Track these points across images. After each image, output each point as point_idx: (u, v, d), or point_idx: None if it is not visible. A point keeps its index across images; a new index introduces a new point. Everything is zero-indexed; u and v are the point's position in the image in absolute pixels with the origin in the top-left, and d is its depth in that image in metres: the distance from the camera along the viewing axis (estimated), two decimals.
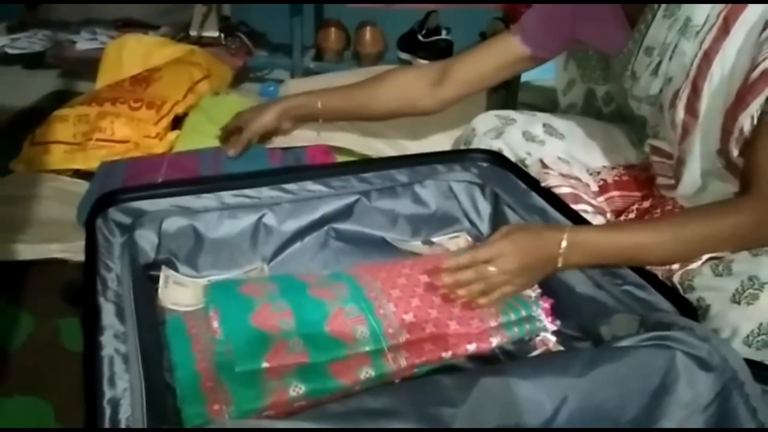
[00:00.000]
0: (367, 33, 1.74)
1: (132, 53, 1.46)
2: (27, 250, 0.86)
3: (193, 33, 1.80)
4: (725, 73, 0.72)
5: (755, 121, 0.70)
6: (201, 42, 1.74)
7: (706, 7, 0.73)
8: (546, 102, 1.58)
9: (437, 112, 1.03)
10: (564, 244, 0.69)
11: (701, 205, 0.76)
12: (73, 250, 0.85)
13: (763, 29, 0.68)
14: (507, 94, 1.53)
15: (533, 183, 0.89)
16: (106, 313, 0.60)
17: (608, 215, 0.92)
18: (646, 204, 0.93)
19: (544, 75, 1.79)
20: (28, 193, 1.00)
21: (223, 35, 1.78)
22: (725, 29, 0.71)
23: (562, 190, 0.90)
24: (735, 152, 0.73)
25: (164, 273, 0.75)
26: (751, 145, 0.71)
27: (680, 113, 0.77)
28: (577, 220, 0.80)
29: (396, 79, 1.03)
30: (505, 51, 0.95)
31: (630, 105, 0.91)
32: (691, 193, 0.82)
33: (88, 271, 0.65)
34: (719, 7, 0.72)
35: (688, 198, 0.83)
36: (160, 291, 0.73)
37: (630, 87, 0.86)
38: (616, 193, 0.95)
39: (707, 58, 0.73)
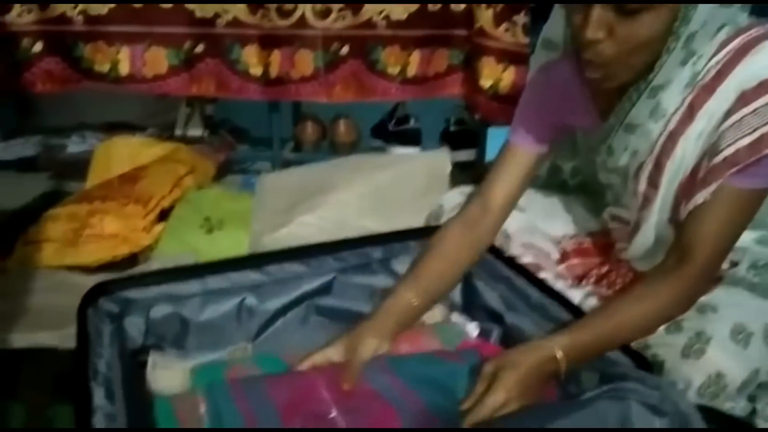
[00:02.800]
0: (342, 124, 1.86)
1: (120, 153, 1.55)
2: (18, 339, 0.89)
3: (178, 132, 1.91)
4: (686, 153, 0.78)
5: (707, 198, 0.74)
6: (186, 140, 1.84)
7: (675, 96, 0.78)
8: None
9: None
10: (560, 355, 0.70)
11: (641, 285, 0.78)
12: (62, 338, 0.88)
13: (723, 119, 0.74)
14: (473, 172, 1.63)
15: (498, 254, 0.95)
16: (97, 396, 0.63)
17: (569, 281, 0.98)
18: (604, 269, 0.99)
19: None
20: (22, 287, 1.05)
21: (207, 133, 1.89)
22: (690, 115, 0.77)
23: (526, 259, 0.96)
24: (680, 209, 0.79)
25: (152, 357, 0.79)
26: (698, 217, 0.75)
27: (642, 184, 0.84)
28: (541, 286, 0.86)
29: (448, 237, 0.94)
30: (522, 164, 0.93)
31: (600, 177, 0.97)
32: (641, 254, 0.89)
33: (79, 359, 0.69)
34: (685, 94, 0.77)
35: (638, 258, 0.90)
36: (148, 374, 0.76)
37: (604, 160, 0.91)
38: (576, 260, 1.01)
39: (672, 139, 0.78)
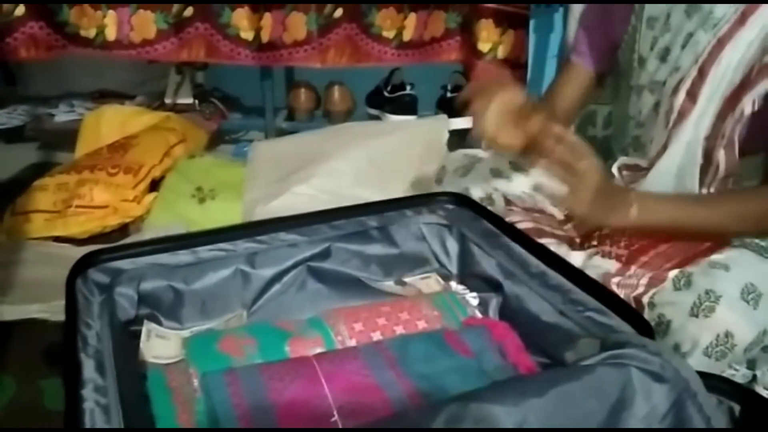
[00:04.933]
0: (336, 92, 1.82)
1: (109, 122, 1.52)
2: (8, 311, 0.88)
3: (168, 101, 1.87)
4: (733, 61, 0.78)
5: (756, 105, 0.76)
6: (176, 109, 1.80)
7: (727, 5, 0.79)
8: None
9: None
10: (634, 198, 0.80)
11: (738, 189, 0.84)
12: (53, 310, 0.87)
13: None
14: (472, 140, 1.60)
15: (497, 221, 0.94)
16: (87, 368, 0.62)
17: (577, 240, 0.96)
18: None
19: None
20: (11, 258, 1.03)
21: (197, 101, 1.85)
22: (742, 21, 0.77)
23: (525, 225, 0.95)
24: (729, 133, 0.80)
25: (146, 327, 0.78)
26: None
27: (680, 97, 0.83)
28: (540, 252, 0.84)
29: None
30: (581, 80, 1.00)
31: (629, 109, 0.96)
32: (657, 184, 0.88)
33: (68, 330, 0.68)
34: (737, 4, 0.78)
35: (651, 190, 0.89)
36: (141, 345, 0.75)
37: (637, 75, 0.91)
38: None
39: (720, 45, 0.79)
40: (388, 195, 1.21)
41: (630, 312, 0.73)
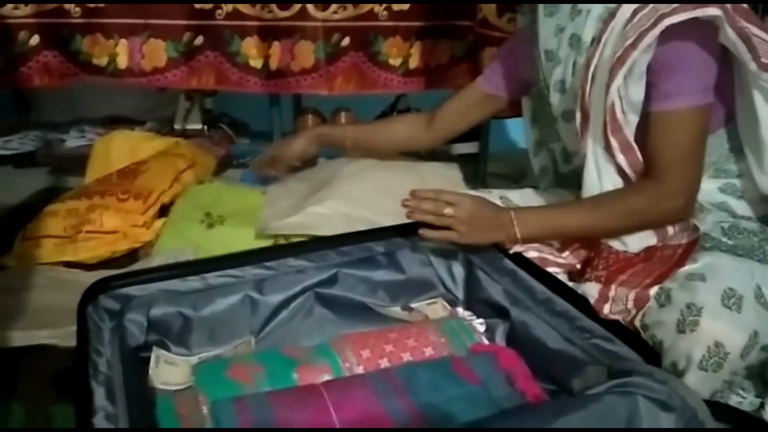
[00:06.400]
0: (343, 118, 1.84)
1: (119, 148, 1.53)
2: (17, 337, 0.89)
3: (177, 126, 1.89)
4: (602, 71, 0.85)
5: (617, 106, 0.84)
6: (185, 134, 1.82)
7: (591, 27, 0.89)
8: (515, 171, 1.67)
9: (434, 145, 1.34)
10: (513, 215, 0.88)
11: (620, 188, 0.90)
12: (63, 336, 0.87)
13: (624, 27, 0.83)
14: (476, 166, 1.62)
15: (503, 250, 0.94)
16: (98, 396, 0.63)
17: (578, 266, 0.97)
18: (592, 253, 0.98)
19: (512, 145, 1.90)
20: (21, 284, 1.04)
21: (206, 127, 1.87)
22: (599, 39, 0.86)
23: (530, 254, 0.95)
24: (621, 139, 0.86)
25: (155, 353, 0.78)
26: (648, 137, 0.85)
27: (578, 117, 0.91)
28: (546, 279, 0.85)
29: (402, 120, 1.35)
30: (472, 93, 1.18)
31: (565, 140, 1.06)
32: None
33: (79, 357, 0.68)
34: (600, 24, 0.87)
35: None
36: (150, 371, 0.76)
37: (552, 109, 1.01)
38: (577, 244, 1.01)
39: (588, 64, 0.88)
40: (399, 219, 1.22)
41: (636, 339, 0.73)
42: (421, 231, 0.91)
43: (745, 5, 0.84)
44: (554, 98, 0.98)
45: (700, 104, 0.83)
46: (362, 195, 1.24)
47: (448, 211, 0.87)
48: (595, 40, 0.87)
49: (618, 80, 0.82)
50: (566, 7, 0.93)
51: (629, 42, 0.81)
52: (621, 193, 0.89)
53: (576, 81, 0.91)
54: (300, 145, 1.33)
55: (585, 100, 0.89)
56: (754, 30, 0.82)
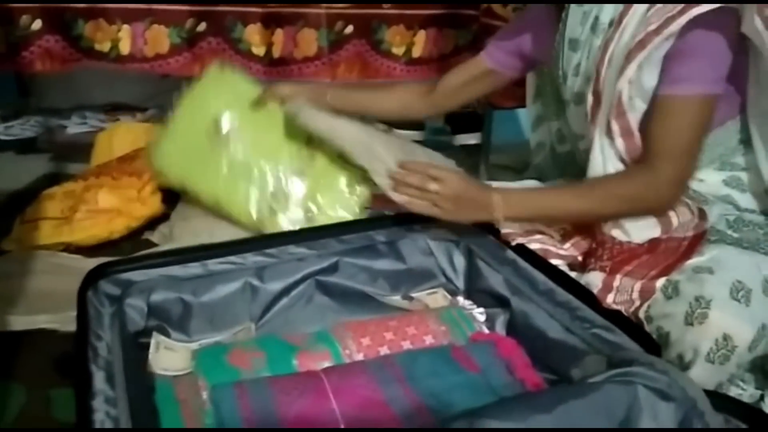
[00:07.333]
0: None
1: (122, 140, 1.53)
2: (17, 322, 0.89)
3: None
4: (619, 56, 0.83)
5: (627, 92, 0.83)
6: None
7: (610, 8, 0.86)
8: (517, 163, 1.66)
9: (428, 115, 1.38)
10: (498, 195, 0.86)
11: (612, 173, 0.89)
12: (62, 321, 0.87)
13: (647, 10, 0.81)
14: (479, 157, 1.61)
15: (505, 241, 0.94)
16: (98, 379, 0.63)
17: (579, 258, 0.96)
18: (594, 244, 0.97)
19: (515, 136, 1.89)
20: (21, 269, 1.04)
21: None
22: (620, 21, 0.84)
23: (532, 246, 0.95)
24: (623, 123, 0.85)
25: (155, 339, 0.78)
26: (650, 121, 0.84)
27: (589, 99, 0.89)
28: (547, 269, 0.85)
29: (400, 87, 1.27)
30: (474, 67, 1.15)
31: (572, 125, 1.03)
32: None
33: (79, 341, 0.68)
34: (620, 6, 0.84)
35: None
36: (150, 356, 0.76)
37: (563, 91, 0.98)
38: (578, 236, 1.01)
39: (605, 46, 0.85)
40: None
41: (637, 330, 0.73)
42: (403, 198, 0.89)
43: None
44: (570, 82, 0.96)
45: (708, 94, 0.81)
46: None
47: (433, 186, 0.86)
48: (615, 22, 0.85)
49: (634, 64, 0.81)
50: None
51: (652, 27, 0.79)
52: (612, 177, 0.88)
53: (591, 63, 0.89)
54: (286, 91, 1.18)
55: (599, 83, 0.87)
56: None
